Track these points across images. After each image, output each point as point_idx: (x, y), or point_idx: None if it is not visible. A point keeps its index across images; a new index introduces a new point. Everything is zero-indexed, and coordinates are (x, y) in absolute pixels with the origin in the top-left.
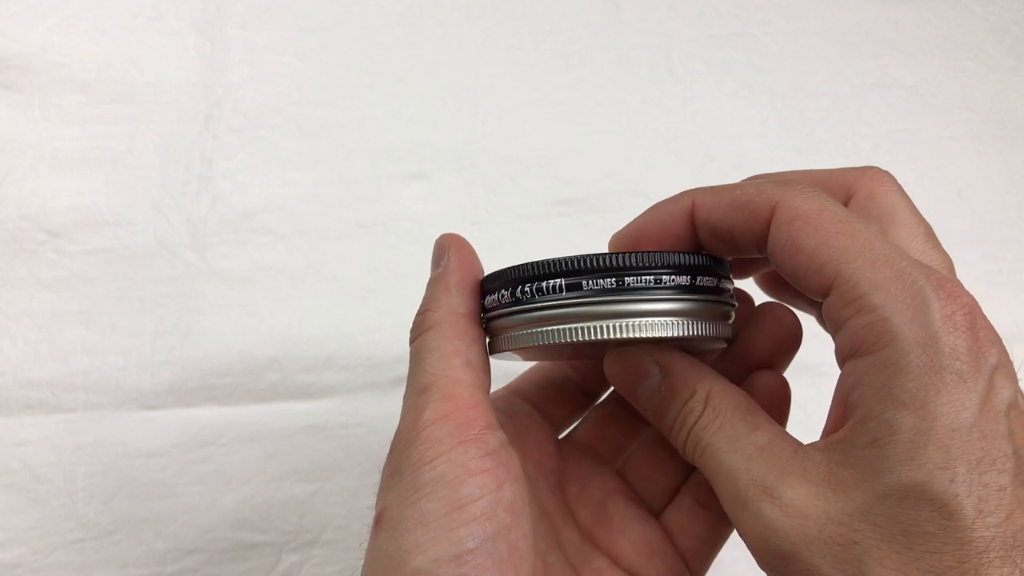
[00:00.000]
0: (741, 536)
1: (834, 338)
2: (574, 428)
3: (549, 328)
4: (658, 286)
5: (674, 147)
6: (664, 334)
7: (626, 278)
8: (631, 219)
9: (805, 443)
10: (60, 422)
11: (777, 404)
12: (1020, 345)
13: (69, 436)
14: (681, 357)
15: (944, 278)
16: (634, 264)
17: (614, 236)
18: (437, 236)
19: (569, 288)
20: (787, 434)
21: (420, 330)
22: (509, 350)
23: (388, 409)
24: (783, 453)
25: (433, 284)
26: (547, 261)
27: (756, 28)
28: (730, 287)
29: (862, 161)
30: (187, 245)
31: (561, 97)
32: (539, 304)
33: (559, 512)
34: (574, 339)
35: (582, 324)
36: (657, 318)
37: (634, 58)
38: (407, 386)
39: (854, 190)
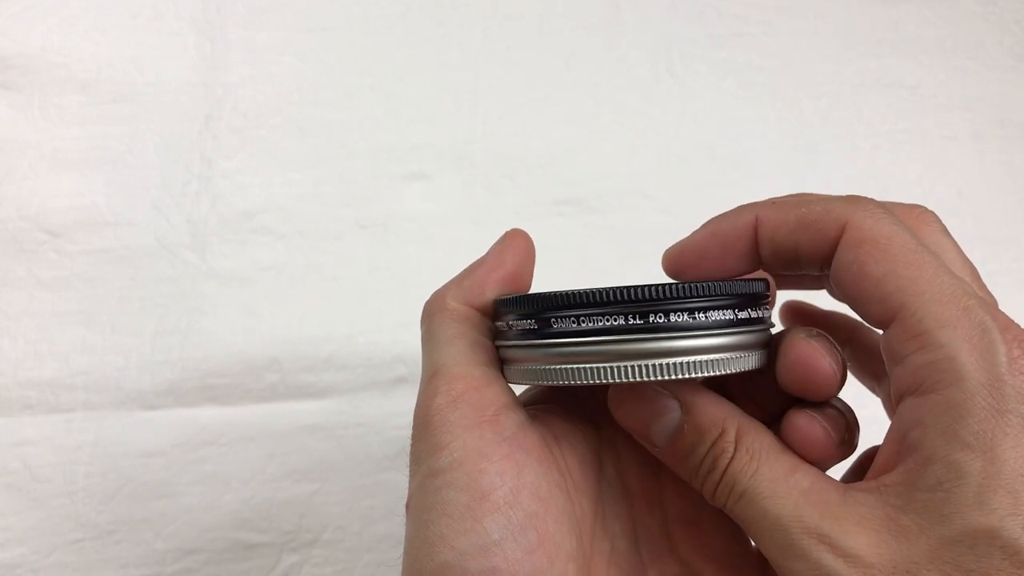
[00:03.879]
0: None
1: (890, 371)
2: None
3: (575, 366)
4: (702, 322)
5: (674, 147)
6: (711, 373)
7: (670, 314)
8: (637, 221)
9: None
10: (60, 422)
11: (812, 448)
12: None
13: (69, 436)
14: (703, 392)
15: (1009, 320)
16: (676, 295)
17: (669, 251)
18: (438, 235)
19: (599, 320)
20: (826, 475)
21: (429, 314)
22: (522, 383)
23: (388, 409)
24: (831, 497)
25: (462, 272)
26: (577, 293)
27: (756, 28)
28: (771, 311)
29: (862, 161)
30: (187, 245)
31: (561, 97)
32: (565, 340)
33: (647, 495)
34: (605, 380)
35: (617, 364)
36: (702, 356)
37: (634, 58)
38: (422, 373)
39: None
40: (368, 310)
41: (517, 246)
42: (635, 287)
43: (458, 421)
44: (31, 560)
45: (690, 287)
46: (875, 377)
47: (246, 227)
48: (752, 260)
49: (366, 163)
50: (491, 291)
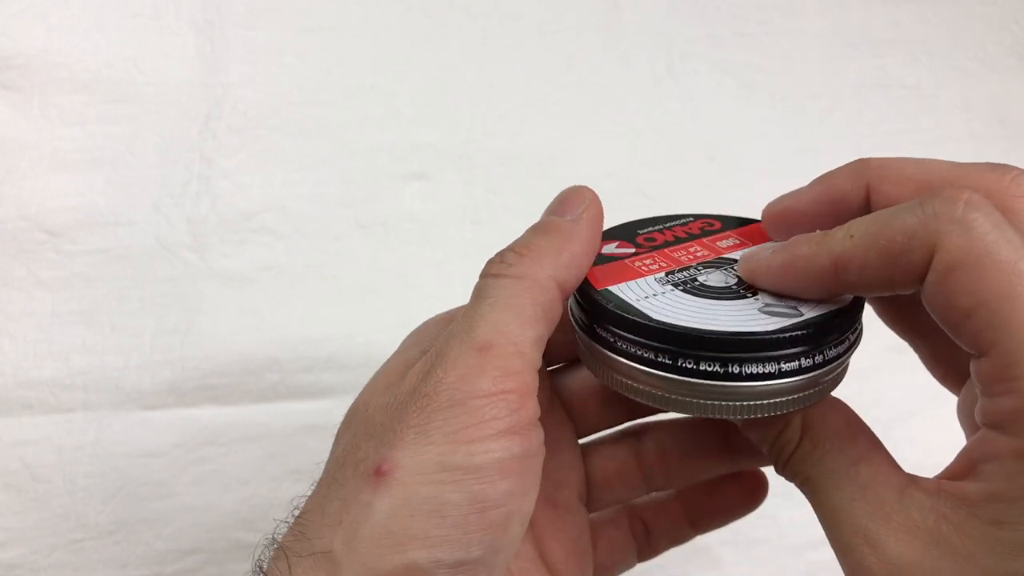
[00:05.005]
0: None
1: (980, 395)
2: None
3: (672, 396)
4: (783, 371)
5: (674, 147)
6: (789, 410)
7: (756, 364)
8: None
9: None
10: (60, 422)
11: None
12: None
13: (69, 436)
14: None
15: None
16: (761, 347)
17: (772, 208)
18: (438, 235)
19: (699, 363)
20: (893, 465)
21: (507, 272)
22: (604, 383)
23: None
24: (888, 494)
25: (547, 231)
26: (706, 338)
27: (756, 28)
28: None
29: None
30: (187, 245)
31: (561, 97)
32: (669, 376)
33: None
34: (695, 413)
35: (705, 402)
36: (778, 398)
37: (634, 58)
38: (460, 323)
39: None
40: (368, 310)
41: (600, 212)
42: (728, 340)
43: (493, 421)
44: (31, 560)
45: (778, 339)
46: (917, 333)
47: (246, 227)
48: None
49: (366, 163)
50: (581, 273)
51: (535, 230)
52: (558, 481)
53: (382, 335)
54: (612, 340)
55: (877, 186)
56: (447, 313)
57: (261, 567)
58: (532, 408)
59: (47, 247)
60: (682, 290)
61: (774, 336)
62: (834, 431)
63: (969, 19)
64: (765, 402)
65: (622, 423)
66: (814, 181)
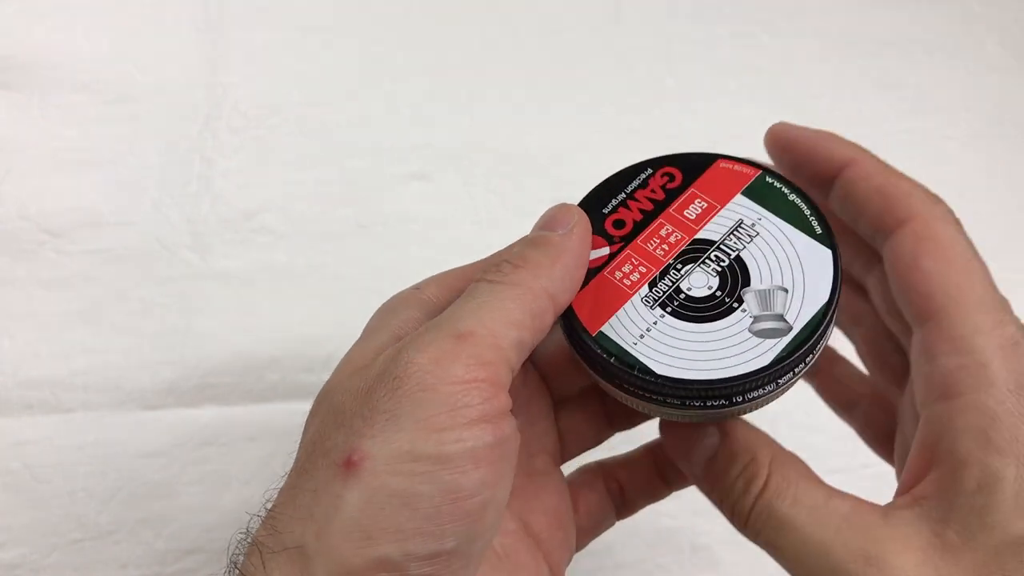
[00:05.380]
0: None
1: (918, 373)
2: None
3: (659, 409)
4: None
5: (674, 147)
6: (759, 409)
7: (747, 394)
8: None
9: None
10: (60, 422)
11: None
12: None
13: (69, 436)
14: (741, 422)
15: None
16: (762, 387)
17: (779, 129)
18: (438, 235)
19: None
20: (862, 499)
21: (500, 279)
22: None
23: None
24: (872, 520)
25: (540, 244)
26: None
27: (756, 28)
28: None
29: None
30: (187, 245)
31: (561, 97)
32: (662, 405)
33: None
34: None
35: (693, 415)
36: (754, 403)
37: (634, 58)
38: (444, 315)
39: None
40: (368, 310)
41: (588, 230)
42: (734, 384)
43: (465, 410)
44: (31, 560)
45: (778, 370)
46: (846, 406)
47: (246, 227)
48: (827, 187)
49: (366, 163)
50: (573, 291)
51: (528, 244)
52: (533, 450)
53: None
54: (617, 385)
55: (860, 161)
56: (412, 289)
57: (236, 563)
58: (504, 399)
59: (47, 247)
60: (671, 313)
61: (774, 368)
62: (801, 472)
63: (969, 19)
64: (759, 403)
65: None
66: (822, 132)
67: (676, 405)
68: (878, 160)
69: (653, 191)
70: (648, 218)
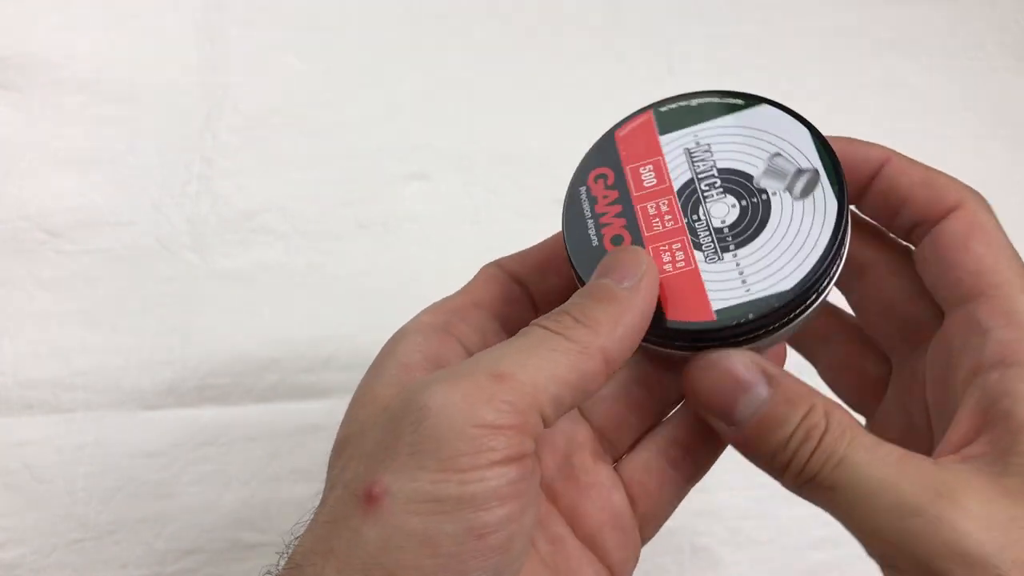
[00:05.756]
0: (899, 548)
1: (965, 345)
2: None
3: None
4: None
5: None
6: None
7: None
8: None
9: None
10: (60, 422)
11: None
12: None
13: (69, 436)
14: (787, 372)
15: None
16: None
17: (845, 144)
18: (438, 235)
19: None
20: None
21: (558, 330)
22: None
23: None
24: (925, 464)
25: (605, 299)
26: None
27: (756, 27)
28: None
29: None
30: (187, 245)
31: (561, 97)
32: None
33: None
34: None
35: None
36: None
37: (634, 58)
38: (489, 350)
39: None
40: (368, 310)
41: (657, 288)
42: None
43: (490, 452)
44: (31, 560)
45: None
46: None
47: (246, 227)
48: (861, 190)
49: (366, 163)
50: (634, 346)
51: (592, 297)
52: (567, 450)
53: (382, 335)
54: (752, 339)
55: (895, 159)
56: (413, 319)
57: None
58: (531, 444)
59: (47, 247)
60: (737, 246)
61: (841, 226)
62: (850, 417)
63: (969, 19)
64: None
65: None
66: (846, 138)
67: (791, 320)
68: (908, 157)
69: (606, 197)
70: (630, 215)
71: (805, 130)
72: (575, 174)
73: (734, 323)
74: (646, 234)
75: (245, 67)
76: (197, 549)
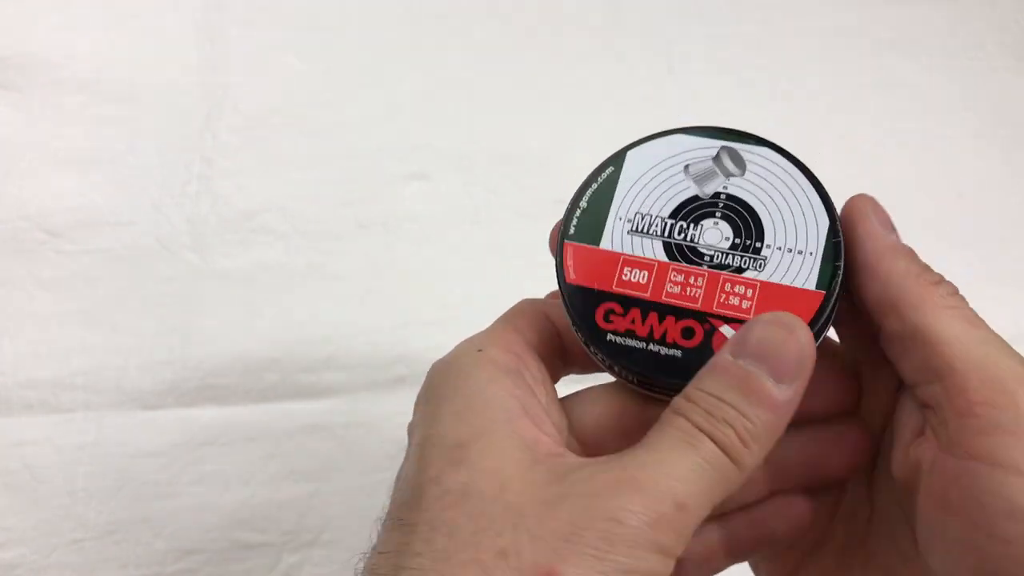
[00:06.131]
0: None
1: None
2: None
3: None
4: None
5: None
6: None
7: None
8: None
9: None
10: (60, 422)
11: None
12: (1020, 345)
13: (69, 436)
14: None
15: None
16: None
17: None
18: (438, 235)
19: None
20: None
21: (725, 444)
22: None
23: (388, 409)
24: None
25: (767, 408)
26: None
27: (756, 27)
28: None
29: (862, 161)
30: (187, 245)
31: (561, 97)
32: None
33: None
34: None
35: None
36: None
37: (634, 58)
38: (662, 470)
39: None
40: (368, 310)
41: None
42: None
43: (530, 488)
44: (31, 560)
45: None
46: None
47: (246, 227)
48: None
49: (366, 163)
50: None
51: (748, 400)
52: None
53: (382, 335)
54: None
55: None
56: (473, 350)
57: None
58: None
59: (47, 247)
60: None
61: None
62: None
63: (969, 19)
64: None
65: None
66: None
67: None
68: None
69: (630, 318)
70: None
71: (715, 141)
72: (585, 335)
73: None
74: (665, 293)
75: (245, 67)
76: (197, 549)
